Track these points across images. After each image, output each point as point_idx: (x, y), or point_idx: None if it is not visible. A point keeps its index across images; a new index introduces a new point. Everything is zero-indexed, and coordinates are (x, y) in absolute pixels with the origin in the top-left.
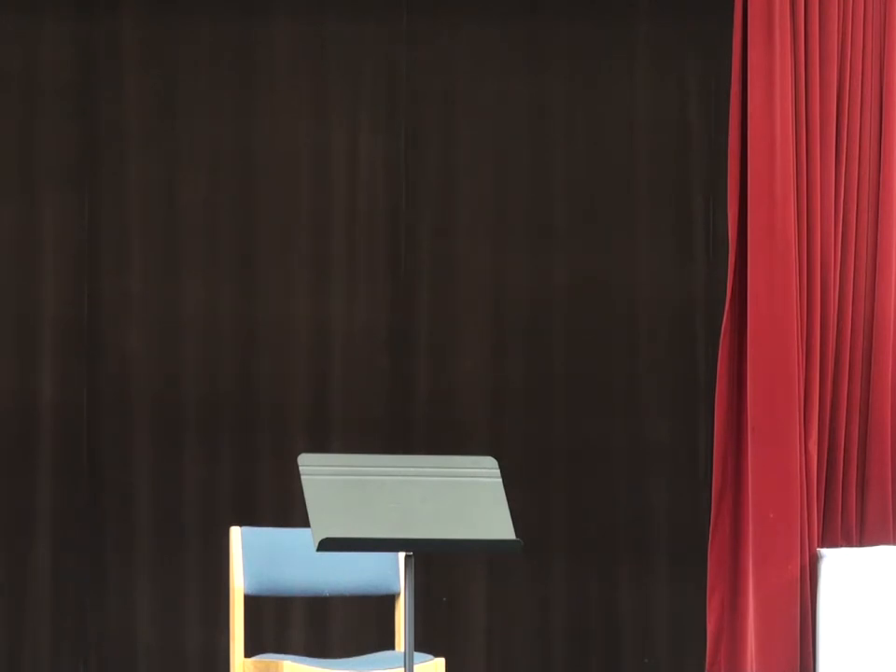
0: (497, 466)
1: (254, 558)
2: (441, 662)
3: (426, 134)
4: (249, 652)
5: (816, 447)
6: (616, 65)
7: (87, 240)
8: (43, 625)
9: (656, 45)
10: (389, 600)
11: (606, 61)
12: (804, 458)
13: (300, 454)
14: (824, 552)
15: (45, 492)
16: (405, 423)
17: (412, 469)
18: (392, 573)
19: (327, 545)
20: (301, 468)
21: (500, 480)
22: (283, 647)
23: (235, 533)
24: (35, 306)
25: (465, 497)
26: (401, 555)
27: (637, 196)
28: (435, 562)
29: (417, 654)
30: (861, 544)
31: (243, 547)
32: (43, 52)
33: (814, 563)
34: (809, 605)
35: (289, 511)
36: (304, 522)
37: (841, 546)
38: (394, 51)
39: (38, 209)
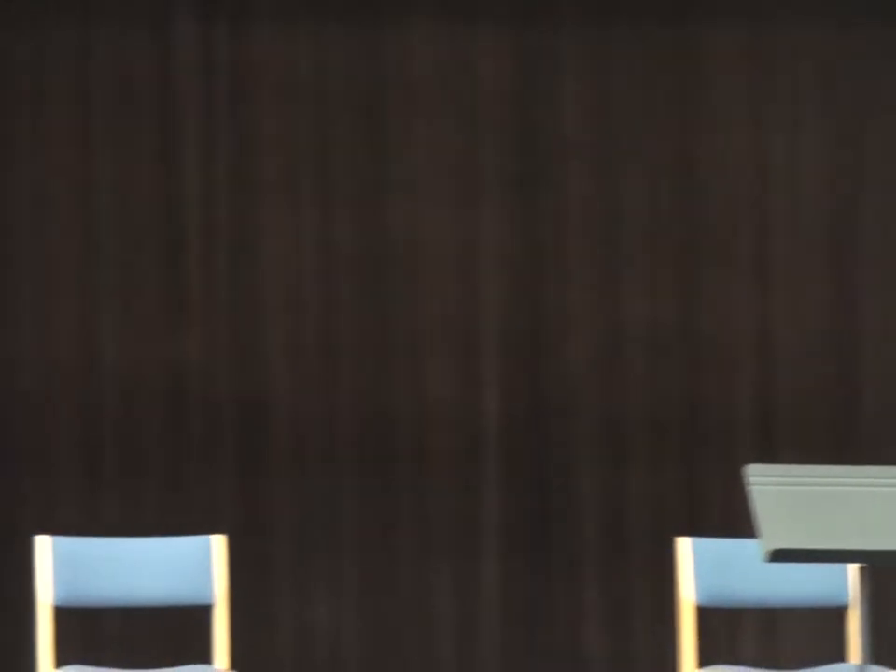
0: None
1: (703, 569)
2: None
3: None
4: (699, 663)
5: None
6: None
7: (526, 249)
8: (494, 634)
9: None
10: (836, 611)
11: None
12: None
13: (746, 464)
14: None
15: (492, 504)
16: (850, 432)
17: (867, 480)
18: (841, 584)
19: (777, 556)
20: (749, 478)
21: None
22: (733, 658)
23: (684, 543)
24: (474, 307)
25: None
26: (852, 567)
27: None
28: (884, 573)
29: (872, 668)
30: None
31: (693, 557)
32: (482, 63)
33: None
34: None
35: (737, 521)
36: (752, 532)
37: None
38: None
39: (478, 217)
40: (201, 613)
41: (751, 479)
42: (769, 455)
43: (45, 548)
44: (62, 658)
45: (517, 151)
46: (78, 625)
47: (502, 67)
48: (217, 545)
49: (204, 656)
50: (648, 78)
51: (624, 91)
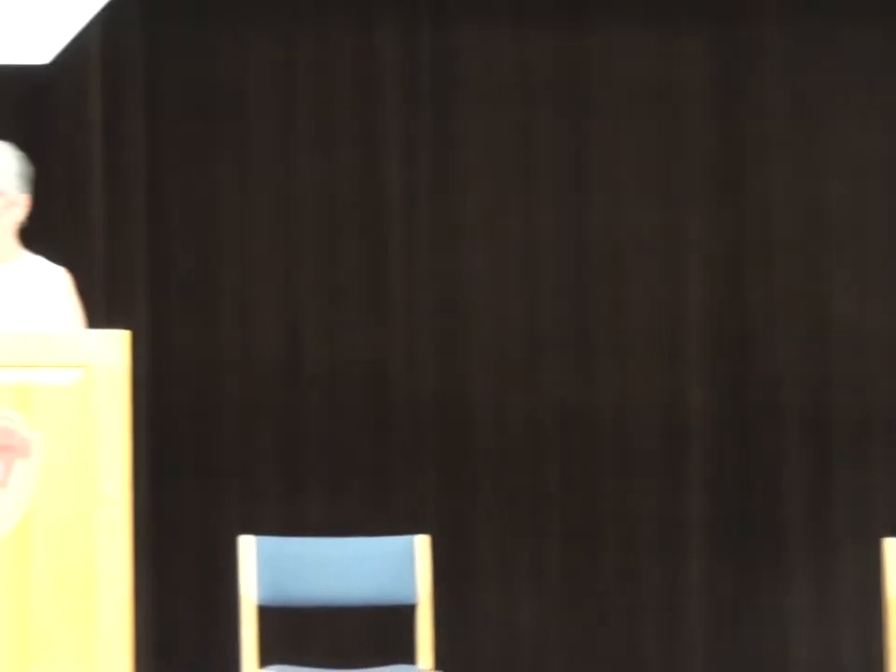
0: None
1: None
2: None
3: None
4: None
5: None
6: None
7: (730, 248)
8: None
9: None
10: None
11: None
12: None
13: None
14: None
15: (696, 503)
16: None
17: None
18: None
19: None
20: None
21: None
22: None
23: (891, 543)
24: (679, 307)
25: None
26: None
27: None
28: None
29: None
30: None
31: None
32: (683, 62)
33: None
34: None
35: None
36: None
37: None
38: None
39: (682, 216)
40: (405, 613)
41: None
42: None
43: (249, 548)
44: (265, 658)
45: (720, 150)
46: (282, 625)
47: (703, 66)
48: (421, 545)
49: (408, 656)
50: (850, 75)
51: (826, 87)
